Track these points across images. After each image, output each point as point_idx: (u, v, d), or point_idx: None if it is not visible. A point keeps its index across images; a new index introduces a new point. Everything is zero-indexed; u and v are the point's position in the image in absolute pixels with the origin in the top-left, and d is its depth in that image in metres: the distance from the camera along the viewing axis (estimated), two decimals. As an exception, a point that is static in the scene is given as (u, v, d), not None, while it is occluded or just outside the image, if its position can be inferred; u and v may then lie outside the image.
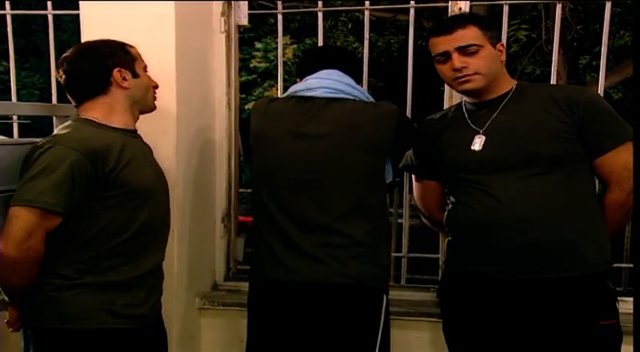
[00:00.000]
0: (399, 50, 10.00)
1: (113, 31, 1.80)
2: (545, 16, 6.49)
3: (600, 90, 2.15)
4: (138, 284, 1.69)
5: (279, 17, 2.39)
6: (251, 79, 11.90)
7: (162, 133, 2.01)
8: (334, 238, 1.78)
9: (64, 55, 1.72)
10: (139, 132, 1.79)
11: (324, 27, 2.37)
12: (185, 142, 2.13)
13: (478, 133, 1.78)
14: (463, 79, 1.75)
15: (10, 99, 2.49)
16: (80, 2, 2.08)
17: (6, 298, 1.66)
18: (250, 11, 2.37)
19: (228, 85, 2.36)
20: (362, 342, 1.80)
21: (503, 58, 1.81)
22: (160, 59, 1.94)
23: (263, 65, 11.91)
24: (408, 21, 2.30)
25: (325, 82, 1.87)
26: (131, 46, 1.76)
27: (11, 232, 1.51)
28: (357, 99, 1.88)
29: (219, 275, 2.44)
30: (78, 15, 2.09)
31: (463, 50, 1.73)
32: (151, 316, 1.75)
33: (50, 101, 2.35)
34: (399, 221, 2.54)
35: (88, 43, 1.78)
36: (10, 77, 2.52)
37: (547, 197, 1.68)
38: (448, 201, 1.88)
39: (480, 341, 1.80)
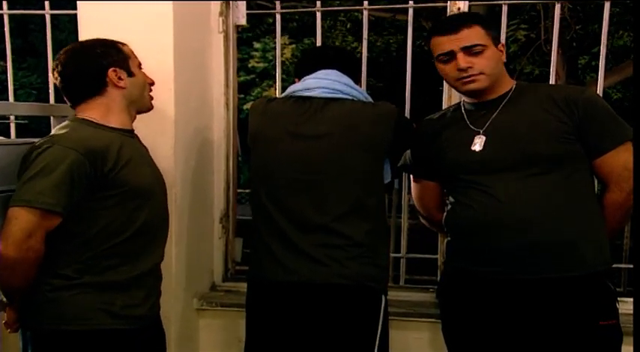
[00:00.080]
0: (397, 50, 10.00)
1: (111, 31, 1.79)
2: (544, 16, 6.50)
3: (599, 90, 2.15)
4: (136, 285, 1.68)
5: (278, 17, 2.38)
6: (249, 79, 11.91)
7: (160, 133, 2.01)
8: (333, 238, 1.78)
9: (58, 57, 1.71)
10: (137, 132, 1.78)
11: (322, 27, 2.36)
12: (183, 142, 2.13)
13: (478, 134, 1.77)
14: (468, 79, 1.74)
15: (8, 99, 2.48)
16: (78, 2, 2.07)
17: (4, 299, 1.65)
18: (248, 11, 2.36)
19: (227, 85, 2.35)
20: (361, 343, 1.80)
21: (504, 58, 1.80)
22: (157, 59, 1.94)
23: (261, 65, 11.92)
24: (406, 21, 2.29)
25: (323, 82, 1.86)
26: (123, 44, 1.75)
27: (11, 233, 1.50)
28: (355, 99, 1.87)
29: (217, 276, 2.44)
30: (75, 15, 2.09)
31: (469, 50, 1.72)
32: (150, 317, 1.75)
33: (48, 101, 2.34)
34: (398, 219, 2.53)
35: (80, 43, 1.77)
36: (7, 77, 2.51)
37: (547, 197, 1.68)
38: (447, 202, 1.88)
39: (479, 341, 1.80)
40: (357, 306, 1.80)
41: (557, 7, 2.24)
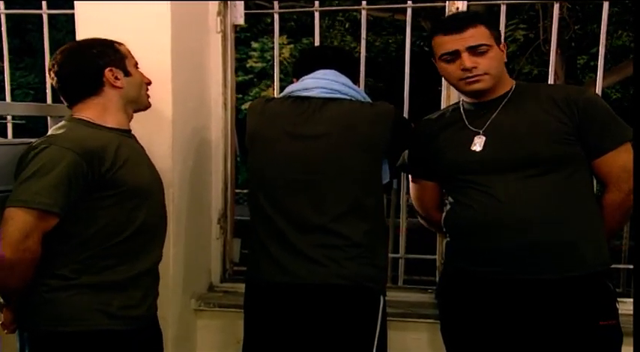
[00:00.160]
0: (396, 50, 10.01)
1: (108, 30, 1.78)
2: (543, 15, 6.51)
3: (598, 90, 2.15)
4: (133, 285, 1.67)
5: (276, 17, 2.38)
6: (247, 78, 11.88)
7: (157, 133, 2.00)
8: (331, 239, 1.77)
9: (54, 56, 1.70)
10: (134, 132, 1.78)
11: (320, 26, 2.36)
12: (181, 142, 2.12)
13: (478, 134, 1.77)
14: (473, 79, 1.73)
15: (5, 99, 2.48)
16: (75, 2, 2.07)
17: (1, 300, 1.64)
18: (246, 11, 2.36)
19: (225, 85, 2.35)
20: (359, 344, 1.79)
21: (505, 58, 1.80)
22: (155, 59, 1.94)
23: (259, 65, 11.89)
24: (405, 21, 2.29)
25: (322, 82, 1.86)
26: (120, 44, 1.74)
27: (7, 233, 1.49)
28: (353, 99, 1.87)
29: (215, 277, 2.43)
30: (73, 14, 2.08)
31: (474, 50, 1.71)
32: (147, 317, 1.74)
33: (45, 101, 2.34)
34: (397, 219, 2.52)
35: (77, 43, 1.76)
36: (4, 77, 2.51)
37: (547, 197, 1.68)
38: (446, 202, 1.88)
39: (478, 341, 1.79)
40: (355, 307, 1.79)
41: (556, 6, 2.24)
